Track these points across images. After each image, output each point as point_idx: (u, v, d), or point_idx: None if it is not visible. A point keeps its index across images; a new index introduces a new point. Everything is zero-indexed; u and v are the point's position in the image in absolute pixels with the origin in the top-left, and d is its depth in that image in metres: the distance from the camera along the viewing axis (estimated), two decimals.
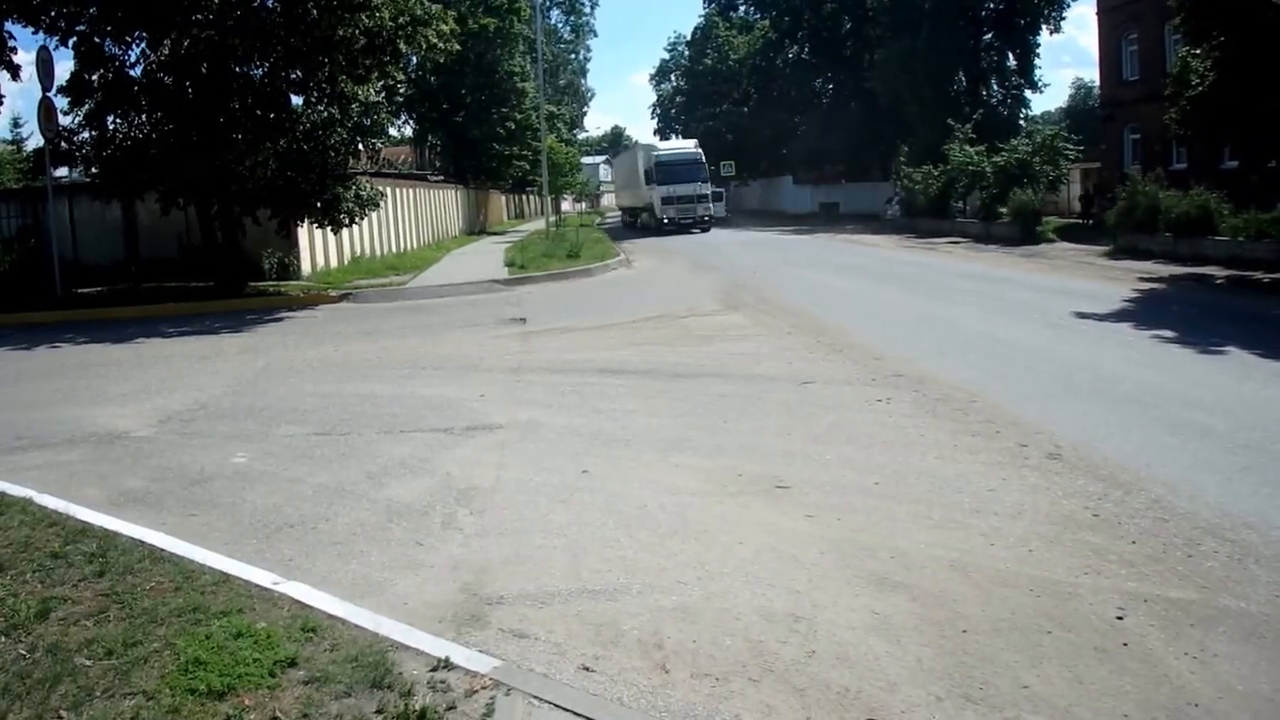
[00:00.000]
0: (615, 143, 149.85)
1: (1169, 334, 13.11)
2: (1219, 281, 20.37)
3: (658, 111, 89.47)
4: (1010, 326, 14.38)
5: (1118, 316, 15.20)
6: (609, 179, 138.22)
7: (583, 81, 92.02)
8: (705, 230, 45.41)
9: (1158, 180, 27.77)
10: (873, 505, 6.37)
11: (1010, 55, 52.02)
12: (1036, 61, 51.77)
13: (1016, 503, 6.33)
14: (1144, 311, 15.87)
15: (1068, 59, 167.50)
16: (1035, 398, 9.46)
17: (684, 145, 50.99)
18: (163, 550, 5.59)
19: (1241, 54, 19.00)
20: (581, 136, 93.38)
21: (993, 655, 4.36)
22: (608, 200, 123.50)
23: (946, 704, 3.96)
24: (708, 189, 47.50)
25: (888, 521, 6.06)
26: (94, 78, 18.98)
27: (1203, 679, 4.13)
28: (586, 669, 4.29)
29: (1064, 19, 53.93)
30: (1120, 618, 4.69)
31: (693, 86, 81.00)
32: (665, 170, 46.30)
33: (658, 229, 45.67)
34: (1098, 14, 41.95)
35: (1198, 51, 22.47)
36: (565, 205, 76.37)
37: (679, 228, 45.63)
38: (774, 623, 4.71)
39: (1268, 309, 16.24)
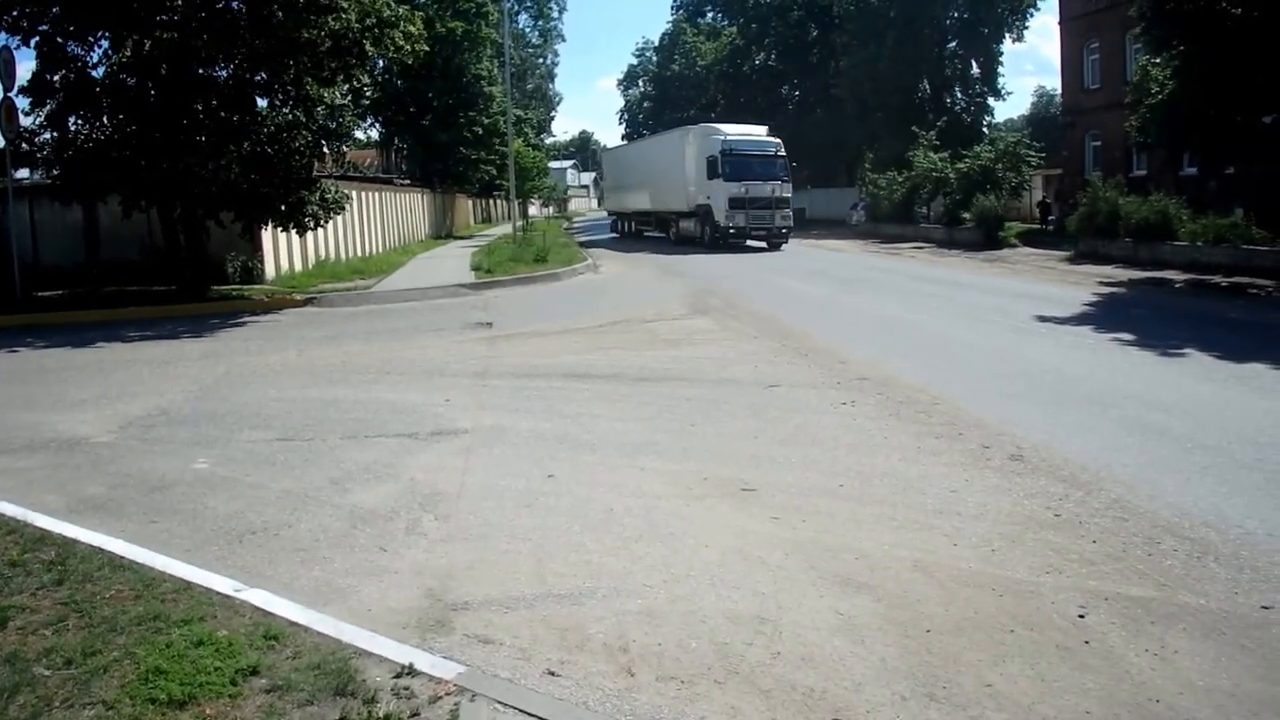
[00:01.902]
0: (583, 147, 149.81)
1: (1129, 337, 13.29)
2: (1178, 285, 20.67)
3: (625, 117, 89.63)
4: (973, 330, 14.51)
5: (1079, 320, 15.39)
6: (576, 183, 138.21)
7: (550, 86, 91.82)
8: (777, 247, 34.78)
9: (1118, 186, 28.27)
10: (837, 507, 6.40)
11: (974, 63, 52.61)
12: (1000, 70, 52.48)
13: (979, 503, 6.39)
14: (1104, 315, 16.07)
15: (1030, 67, 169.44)
16: (997, 400, 9.56)
17: (756, 131, 37.97)
18: (123, 558, 5.52)
19: (1201, 63, 19.32)
20: (549, 141, 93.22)
21: (956, 654, 4.39)
22: (575, 205, 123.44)
23: (911, 703, 3.98)
24: (788, 191, 35.60)
25: (852, 523, 6.10)
26: (56, 78, 18.71)
27: (1163, 675, 4.18)
28: (552, 673, 4.28)
29: (1027, 28, 54.53)
30: (1082, 616, 4.74)
31: (660, 92, 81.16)
32: (736, 162, 34.42)
33: (712, 242, 34.74)
34: (1060, 23, 42.62)
35: (1158, 60, 22.86)
36: (533, 210, 76.08)
37: (735, 242, 34.59)
38: (739, 625, 4.71)
39: (1225, 312, 16.48)
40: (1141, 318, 15.57)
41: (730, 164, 34.35)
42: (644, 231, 45.07)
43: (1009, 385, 10.40)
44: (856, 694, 4.06)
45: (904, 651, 4.43)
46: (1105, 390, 9.93)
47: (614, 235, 49.52)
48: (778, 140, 36.87)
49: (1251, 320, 15.52)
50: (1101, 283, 20.96)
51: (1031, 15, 49.99)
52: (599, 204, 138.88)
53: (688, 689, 4.12)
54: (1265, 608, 4.80)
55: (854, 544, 5.72)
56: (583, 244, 40.74)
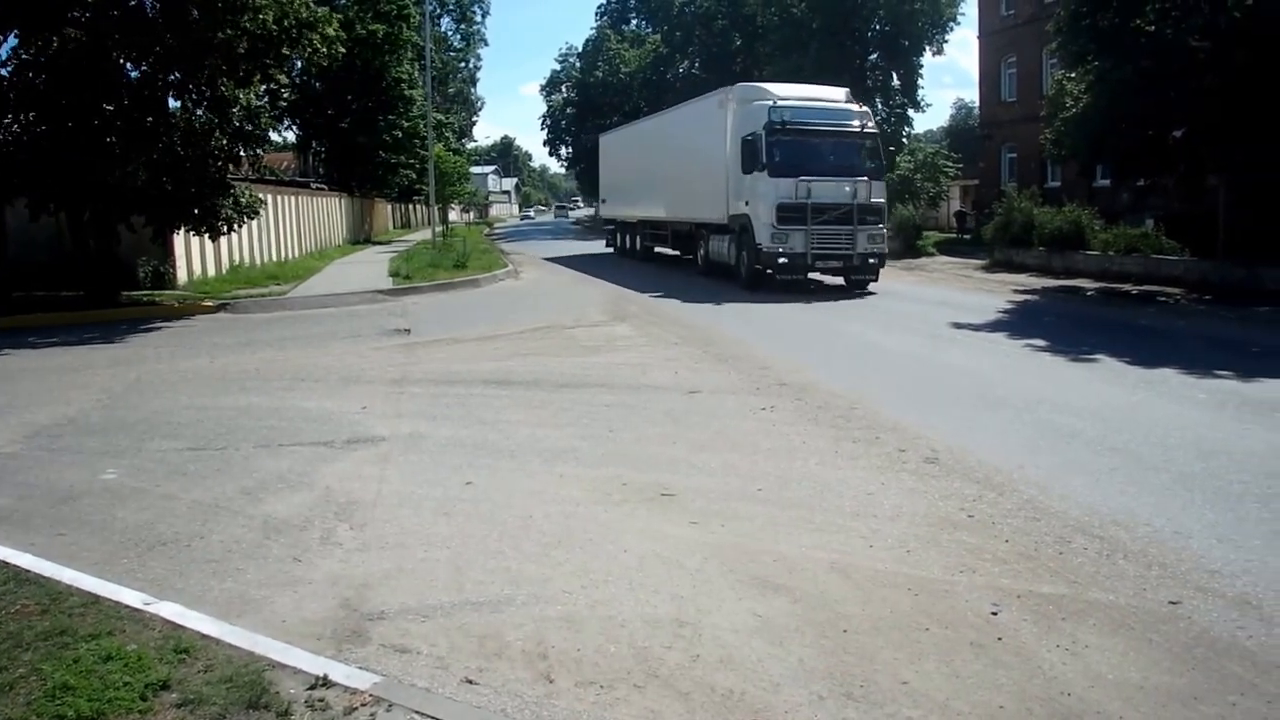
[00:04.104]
0: (505, 153, 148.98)
1: (1042, 343, 13.63)
2: (1090, 293, 21.25)
3: (548, 122, 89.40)
4: (891, 336, 14.74)
5: (993, 326, 15.73)
6: (498, 189, 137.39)
7: (472, 90, 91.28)
8: (862, 288, 21.70)
9: (1033, 197, 29.11)
10: (756, 511, 6.45)
11: (895, 75, 53.40)
12: (920, 82, 53.24)
13: (895, 505, 6.48)
14: (1018, 322, 16.46)
15: (949, 80, 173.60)
16: (914, 404, 9.72)
17: (826, 94, 23.41)
18: (29, 571, 5.35)
19: (1115, 78, 19.91)
20: (470, 146, 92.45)
21: (873, 653, 4.44)
22: (497, 210, 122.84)
23: (829, 702, 4.02)
24: (880, 193, 21.99)
25: (770, 526, 6.14)
26: None
27: (1074, 669, 4.28)
28: (470, 682, 4.23)
29: (946, 41, 55.32)
30: (995, 613, 4.83)
31: (584, 98, 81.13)
32: (791, 144, 21.05)
33: (751, 277, 21.85)
34: (979, 37, 43.68)
35: (1073, 75, 23.53)
36: (453, 215, 75.40)
37: (789, 279, 21.46)
38: (658, 629, 4.71)
39: (1135, 319, 16.98)
40: (1054, 324, 15.98)
41: (781, 147, 20.97)
42: (654, 250, 32.23)
43: (925, 390, 10.59)
44: (775, 694, 4.08)
45: (821, 651, 4.46)
46: (1018, 394, 10.15)
47: (611, 251, 37.29)
48: (862, 108, 23.17)
49: (1160, 327, 16.00)
50: (1016, 291, 21.46)
51: (951, 29, 50.82)
52: (516, 209, 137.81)
53: (607, 693, 4.11)
54: (1173, 603, 4.93)
55: (772, 547, 5.76)
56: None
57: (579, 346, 13.98)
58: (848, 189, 20.84)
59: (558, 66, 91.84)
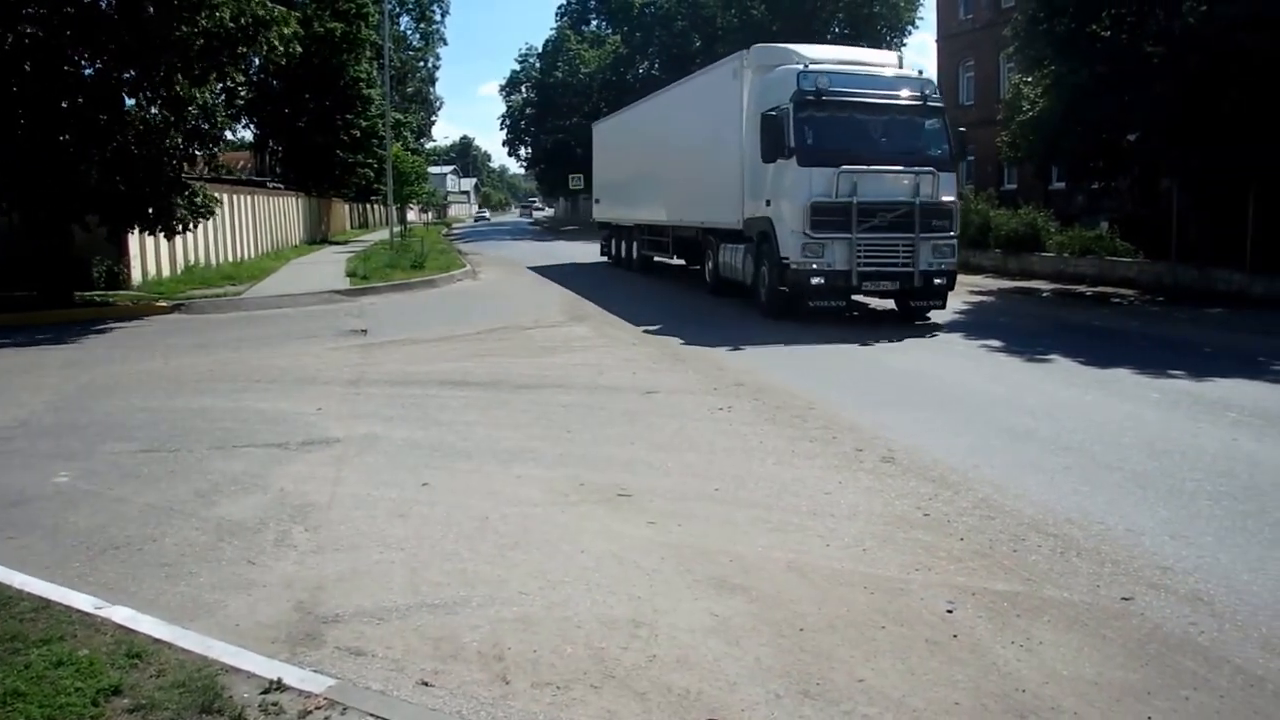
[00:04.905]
0: (464, 154, 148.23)
1: (997, 344, 13.77)
2: (1045, 295, 21.53)
3: (507, 122, 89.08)
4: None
5: (949, 327, 15.86)
6: (456, 189, 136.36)
7: (431, 90, 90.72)
8: (922, 317, 16.65)
9: (990, 199, 29.37)
10: (713, 511, 6.46)
11: None
12: None
13: (851, 504, 6.52)
14: (974, 323, 16.61)
15: None
16: (870, 404, 9.79)
17: (873, 58, 19.26)
18: None
19: (1071, 82, 20.18)
20: (429, 146, 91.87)
21: (829, 651, 4.46)
22: (456, 210, 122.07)
23: (785, 700, 4.02)
24: (949, 190, 16.29)
25: (727, 526, 6.15)
26: None
27: (1029, 666, 4.32)
28: (425, 684, 4.20)
29: (905, 45, 55.90)
30: (950, 611, 4.86)
31: (543, 98, 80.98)
32: (829, 120, 15.98)
33: (772, 301, 16.55)
34: (937, 41, 44.15)
35: (1030, 79, 23.85)
36: (411, 215, 74.84)
37: (825, 306, 15.85)
38: (615, 629, 4.70)
39: (1089, 320, 17.20)
40: (1009, 325, 16.14)
41: (815, 125, 15.94)
42: (654, 259, 27.23)
43: (882, 391, 10.67)
44: (731, 693, 4.09)
45: (778, 650, 4.47)
46: (974, 395, 10.26)
47: (606, 260, 32.06)
48: (923, 75, 17.99)
49: (1114, 328, 16.22)
50: (972, 292, 21.63)
51: (910, 33, 51.38)
52: (475, 209, 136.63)
53: (563, 694, 4.10)
54: (1125, 599, 4.99)
55: (729, 547, 5.77)
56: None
57: (537, 347, 13.96)
58: (906, 183, 15.73)
59: (517, 67, 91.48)
